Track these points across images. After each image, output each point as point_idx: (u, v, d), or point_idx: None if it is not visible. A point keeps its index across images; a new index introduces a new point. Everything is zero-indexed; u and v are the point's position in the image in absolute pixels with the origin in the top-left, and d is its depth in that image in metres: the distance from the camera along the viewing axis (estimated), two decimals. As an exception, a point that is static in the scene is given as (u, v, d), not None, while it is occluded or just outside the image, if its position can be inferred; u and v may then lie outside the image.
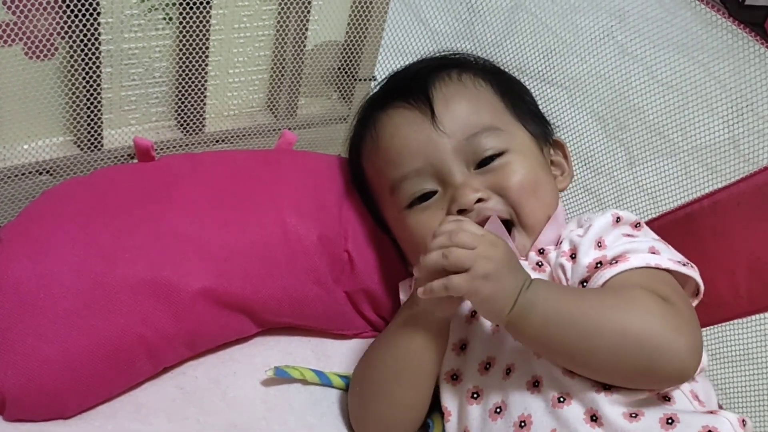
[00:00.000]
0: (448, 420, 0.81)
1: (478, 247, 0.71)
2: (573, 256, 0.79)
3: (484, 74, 0.90)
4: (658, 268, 0.76)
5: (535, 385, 0.75)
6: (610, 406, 0.71)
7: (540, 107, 0.95)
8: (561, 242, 0.82)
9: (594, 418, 0.71)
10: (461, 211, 0.82)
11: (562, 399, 0.72)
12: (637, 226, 0.82)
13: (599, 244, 0.78)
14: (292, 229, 0.89)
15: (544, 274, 0.80)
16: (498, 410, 0.76)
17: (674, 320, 0.70)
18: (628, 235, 0.80)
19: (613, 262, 0.76)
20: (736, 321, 0.85)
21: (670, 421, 0.70)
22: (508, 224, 0.83)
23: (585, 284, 0.77)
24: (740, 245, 0.83)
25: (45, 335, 0.78)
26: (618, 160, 1.03)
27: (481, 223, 0.82)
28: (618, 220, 0.81)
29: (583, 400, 0.72)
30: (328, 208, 0.93)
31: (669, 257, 0.77)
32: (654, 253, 0.77)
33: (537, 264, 0.81)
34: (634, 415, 0.71)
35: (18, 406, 0.78)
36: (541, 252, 0.82)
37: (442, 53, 0.95)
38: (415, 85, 0.87)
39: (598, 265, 0.76)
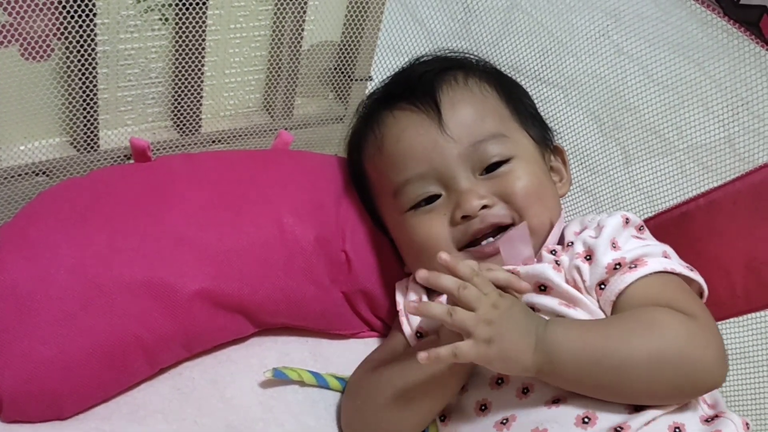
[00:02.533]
0: (446, 425, 0.81)
1: (479, 309, 0.72)
2: (587, 258, 0.79)
3: (488, 78, 0.90)
4: (672, 273, 0.77)
5: (554, 402, 0.74)
6: (638, 422, 0.71)
7: (537, 107, 0.95)
8: (568, 244, 0.82)
9: None
10: (465, 217, 0.82)
11: (587, 420, 0.72)
12: (640, 229, 0.83)
13: (613, 245, 0.79)
14: (289, 230, 0.89)
15: (561, 274, 0.79)
16: (504, 421, 0.75)
17: (701, 335, 0.72)
18: (637, 238, 0.81)
19: (632, 266, 0.76)
20: (732, 320, 0.85)
21: (677, 430, 0.71)
22: (509, 228, 0.83)
23: (603, 287, 0.77)
24: (736, 244, 0.83)
25: (41, 336, 0.78)
26: (614, 159, 1.03)
27: (485, 229, 0.82)
28: (627, 221, 0.82)
29: (610, 419, 0.72)
30: (326, 208, 0.93)
31: (678, 262, 0.79)
32: (667, 257, 0.78)
33: (555, 263, 0.81)
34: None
35: (14, 407, 0.78)
36: (553, 252, 0.82)
37: (442, 52, 0.95)
38: (422, 87, 0.87)
39: (617, 267, 0.76)
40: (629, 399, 0.72)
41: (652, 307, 0.73)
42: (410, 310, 0.75)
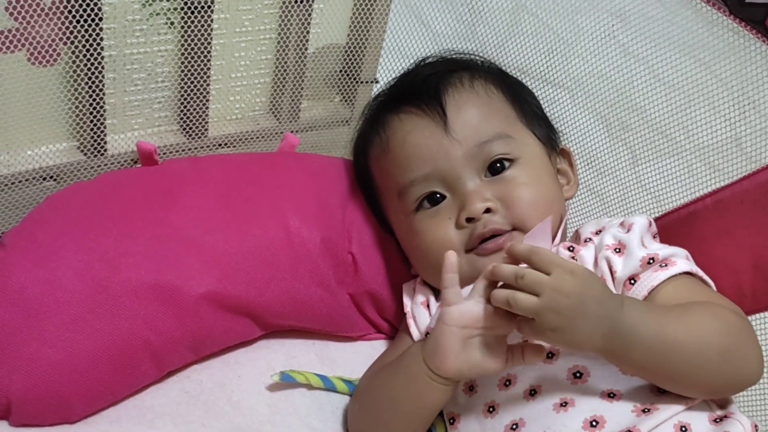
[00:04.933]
0: (455, 428, 0.81)
1: (553, 272, 0.67)
2: (617, 250, 0.79)
3: (494, 80, 0.90)
4: (696, 275, 0.78)
5: (562, 405, 0.74)
6: (648, 425, 0.70)
7: (543, 108, 0.95)
8: (585, 240, 0.83)
9: None
10: (470, 220, 0.82)
11: (594, 423, 0.72)
12: (654, 237, 0.85)
13: (642, 243, 0.80)
14: (296, 232, 0.89)
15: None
16: (514, 427, 0.75)
17: (751, 334, 0.73)
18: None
19: (663, 264, 0.77)
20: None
21: (683, 429, 0.71)
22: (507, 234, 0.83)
23: (633, 282, 0.77)
24: (744, 243, 0.83)
25: (50, 340, 0.79)
26: (621, 159, 1.03)
27: (487, 233, 0.82)
28: (650, 224, 0.83)
29: (619, 422, 0.71)
30: (332, 210, 0.93)
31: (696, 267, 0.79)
32: (689, 260, 0.79)
33: (573, 258, 0.81)
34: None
35: (23, 410, 0.78)
36: (570, 249, 0.83)
37: (447, 54, 0.95)
38: (427, 90, 0.87)
39: (651, 261, 0.77)
40: (684, 389, 0.72)
41: (712, 303, 0.74)
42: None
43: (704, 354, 0.70)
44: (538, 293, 0.67)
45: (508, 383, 0.78)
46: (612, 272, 0.78)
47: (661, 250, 0.79)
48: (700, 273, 0.79)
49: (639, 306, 0.71)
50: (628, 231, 0.81)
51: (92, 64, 0.88)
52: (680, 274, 0.77)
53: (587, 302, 0.67)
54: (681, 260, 0.78)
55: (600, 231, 0.84)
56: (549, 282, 0.67)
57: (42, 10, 0.82)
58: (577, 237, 0.86)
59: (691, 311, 0.73)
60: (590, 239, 0.83)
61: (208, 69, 0.96)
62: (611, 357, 0.71)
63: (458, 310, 0.73)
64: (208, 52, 0.95)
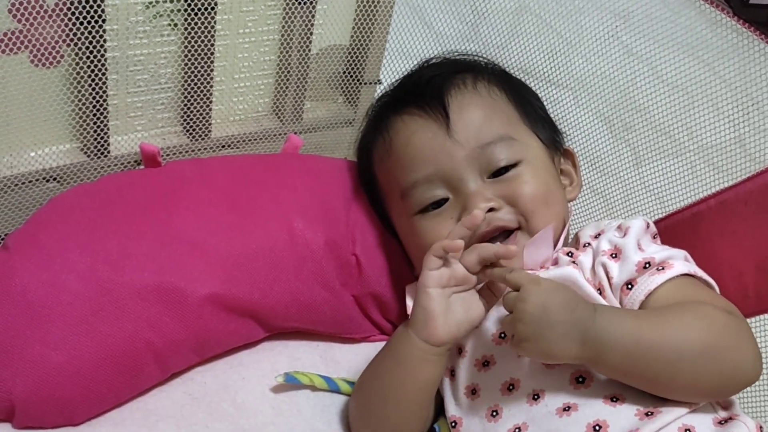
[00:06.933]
0: (457, 431, 0.80)
1: (523, 286, 0.72)
2: (613, 256, 0.79)
3: (497, 81, 0.90)
4: (695, 276, 0.78)
5: (565, 410, 0.74)
6: (650, 428, 0.70)
7: (546, 109, 0.95)
8: (584, 244, 0.83)
9: None
10: None
11: (597, 428, 0.71)
12: (654, 237, 0.84)
13: (639, 246, 0.79)
14: (299, 234, 0.89)
15: (581, 274, 0.79)
16: (517, 431, 0.75)
17: (743, 333, 0.72)
18: (654, 244, 0.82)
19: (660, 267, 0.77)
20: (744, 321, 0.84)
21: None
22: (512, 231, 0.83)
23: (630, 287, 0.77)
24: (748, 244, 0.82)
25: (53, 342, 0.79)
26: (624, 160, 1.03)
27: (491, 232, 0.82)
28: (648, 226, 0.83)
29: (623, 427, 0.71)
30: (335, 211, 0.93)
31: (696, 267, 0.79)
32: (688, 261, 0.79)
33: (573, 263, 0.81)
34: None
35: (27, 413, 0.78)
36: (569, 254, 0.83)
37: (451, 55, 0.95)
38: (430, 91, 0.87)
39: (647, 265, 0.77)
40: (669, 392, 0.71)
41: (699, 302, 0.74)
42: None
43: (683, 353, 0.70)
44: (511, 310, 0.73)
45: (511, 387, 0.78)
46: (609, 278, 0.78)
47: (658, 253, 0.78)
48: (700, 273, 0.78)
49: (613, 311, 0.73)
50: (625, 235, 0.81)
51: (95, 65, 0.88)
52: (678, 276, 0.76)
53: (552, 309, 0.70)
54: (678, 262, 0.77)
55: (599, 234, 0.83)
56: (516, 296, 0.72)
57: (45, 11, 0.82)
58: (576, 241, 0.86)
59: (671, 312, 0.73)
60: (589, 244, 0.83)
61: (211, 70, 0.96)
62: (592, 364, 0.72)
63: (438, 272, 0.78)
64: (211, 53, 0.95)
